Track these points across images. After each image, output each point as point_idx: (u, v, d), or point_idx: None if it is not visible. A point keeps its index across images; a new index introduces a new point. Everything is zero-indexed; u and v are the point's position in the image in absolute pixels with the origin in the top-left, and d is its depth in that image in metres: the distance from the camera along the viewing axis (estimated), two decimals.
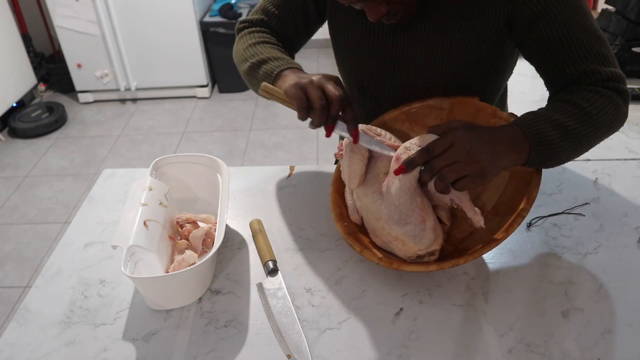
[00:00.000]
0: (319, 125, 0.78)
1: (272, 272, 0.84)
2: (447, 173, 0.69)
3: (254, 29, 0.99)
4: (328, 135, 0.79)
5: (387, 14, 0.80)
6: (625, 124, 1.25)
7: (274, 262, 0.85)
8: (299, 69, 0.87)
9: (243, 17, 1.01)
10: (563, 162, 0.80)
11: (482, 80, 0.92)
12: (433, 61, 0.89)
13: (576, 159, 1.13)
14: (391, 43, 0.91)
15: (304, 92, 0.77)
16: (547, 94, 1.54)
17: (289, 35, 1.01)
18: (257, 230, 0.91)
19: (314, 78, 0.78)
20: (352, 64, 0.98)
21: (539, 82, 1.57)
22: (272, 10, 0.98)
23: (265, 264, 0.85)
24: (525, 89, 1.44)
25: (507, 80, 1.01)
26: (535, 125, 0.74)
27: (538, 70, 0.87)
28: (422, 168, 0.73)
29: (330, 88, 0.76)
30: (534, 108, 1.41)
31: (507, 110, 1.12)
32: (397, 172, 0.74)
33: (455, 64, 0.88)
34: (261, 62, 0.90)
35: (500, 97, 1.05)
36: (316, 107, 0.76)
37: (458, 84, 0.91)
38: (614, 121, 0.80)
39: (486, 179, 0.71)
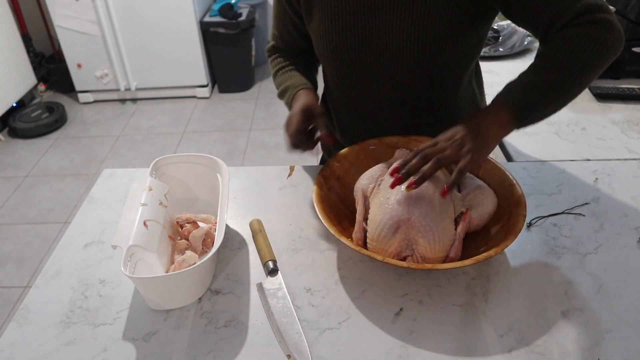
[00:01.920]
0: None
1: (272, 272, 0.84)
2: (445, 157, 0.76)
3: (272, 56, 1.11)
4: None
5: None
6: (625, 124, 1.25)
7: (274, 262, 0.85)
8: (306, 89, 1.00)
9: (267, 46, 1.14)
10: (555, 111, 0.82)
11: (455, 44, 0.91)
12: (407, 16, 0.88)
13: (576, 158, 1.13)
14: (364, 4, 0.91)
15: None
16: None
17: (297, 45, 1.08)
18: (257, 230, 0.91)
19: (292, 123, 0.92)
20: (328, 40, 0.97)
21: None
22: (275, 32, 1.10)
23: (265, 264, 0.85)
24: None
25: (477, 55, 0.99)
26: (513, 94, 0.81)
27: (520, 21, 0.86)
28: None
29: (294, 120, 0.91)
30: None
31: (483, 93, 1.13)
32: (393, 185, 0.79)
33: (429, 18, 0.87)
34: (281, 94, 1.05)
35: (474, 76, 1.06)
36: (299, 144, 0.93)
37: (431, 43, 0.89)
38: (597, 54, 0.79)
39: (482, 152, 0.78)
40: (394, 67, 0.94)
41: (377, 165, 0.90)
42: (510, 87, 0.82)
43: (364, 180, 0.88)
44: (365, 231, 0.82)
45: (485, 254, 0.73)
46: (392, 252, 0.78)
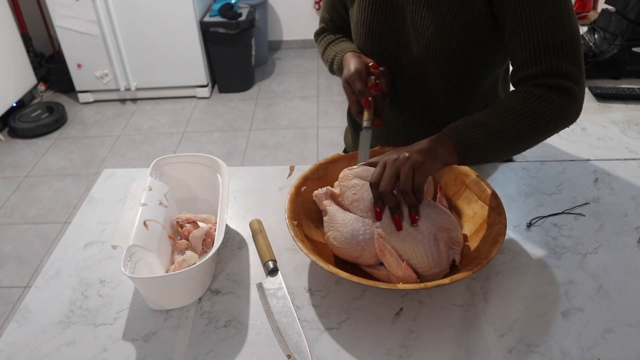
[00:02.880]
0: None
1: (272, 272, 0.84)
2: (402, 184, 0.75)
3: (321, 36, 1.16)
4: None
5: None
6: (625, 124, 1.25)
7: (274, 262, 0.85)
8: (353, 52, 1.01)
9: (317, 28, 1.19)
10: (496, 160, 0.84)
11: (476, 49, 0.92)
12: (436, 16, 0.89)
13: (576, 158, 1.13)
14: (395, 13, 0.95)
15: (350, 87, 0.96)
16: None
17: (347, 27, 1.10)
18: (257, 230, 0.91)
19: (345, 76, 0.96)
20: (365, 41, 1.01)
21: None
22: (325, 16, 1.14)
23: (265, 264, 0.85)
24: None
25: (501, 64, 0.99)
26: (462, 130, 0.80)
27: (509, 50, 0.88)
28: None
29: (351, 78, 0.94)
30: None
31: None
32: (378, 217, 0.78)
33: (457, 21, 0.88)
34: (330, 64, 1.08)
35: (502, 82, 1.06)
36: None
37: (455, 44, 0.90)
38: (553, 120, 0.81)
39: (429, 165, 0.76)
40: (417, 64, 0.96)
41: (334, 208, 0.83)
42: (463, 123, 0.81)
43: (362, 227, 0.79)
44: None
45: (484, 262, 0.73)
46: (447, 263, 0.77)
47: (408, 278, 0.75)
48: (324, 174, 0.93)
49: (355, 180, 0.82)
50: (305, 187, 0.89)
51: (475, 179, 0.88)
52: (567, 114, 0.82)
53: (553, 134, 0.84)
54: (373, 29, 0.97)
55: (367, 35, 0.99)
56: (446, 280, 0.71)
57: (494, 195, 0.84)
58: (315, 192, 0.86)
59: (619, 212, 0.94)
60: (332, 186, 0.87)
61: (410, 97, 1.02)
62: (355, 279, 0.72)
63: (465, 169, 0.90)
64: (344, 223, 0.80)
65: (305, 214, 0.88)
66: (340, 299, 0.79)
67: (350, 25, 1.05)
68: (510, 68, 0.90)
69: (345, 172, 0.85)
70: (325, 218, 0.83)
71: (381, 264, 0.78)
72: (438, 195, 0.88)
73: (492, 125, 0.80)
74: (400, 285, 0.72)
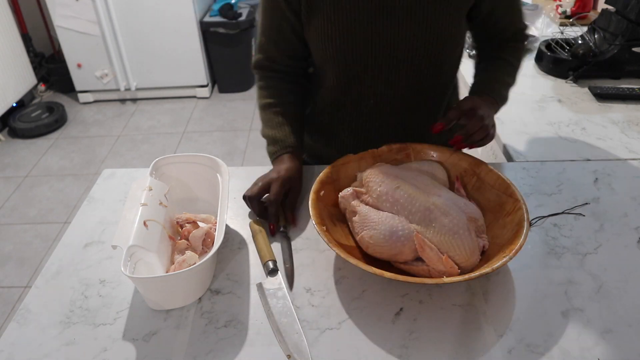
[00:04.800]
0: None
1: (272, 272, 0.84)
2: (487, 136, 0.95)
3: (262, 83, 1.07)
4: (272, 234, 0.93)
5: None
6: (625, 124, 1.26)
7: (274, 262, 0.85)
8: (293, 155, 1.00)
9: (254, 60, 1.08)
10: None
11: (456, 45, 1.01)
12: (415, 18, 0.92)
13: (576, 158, 1.14)
14: (374, 4, 0.91)
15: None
16: (547, 93, 1.54)
17: (292, 53, 1.04)
18: (257, 230, 0.91)
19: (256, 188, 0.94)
20: (339, 50, 0.96)
21: (539, 82, 1.57)
22: (265, 41, 1.03)
23: (265, 264, 0.85)
24: (526, 89, 1.44)
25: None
26: (498, 91, 1.02)
27: (480, 26, 1.04)
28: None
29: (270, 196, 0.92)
30: (534, 108, 1.43)
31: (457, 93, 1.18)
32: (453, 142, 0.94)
33: (436, 21, 0.93)
34: (269, 141, 1.04)
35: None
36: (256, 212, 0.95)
37: (437, 44, 0.95)
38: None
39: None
40: (400, 66, 0.97)
41: (364, 208, 0.84)
42: (495, 86, 1.02)
43: (399, 224, 0.80)
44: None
45: (501, 262, 0.73)
46: (479, 251, 0.79)
47: (450, 271, 0.76)
48: (337, 176, 0.93)
49: (380, 177, 0.85)
50: (323, 192, 0.89)
51: (487, 169, 0.90)
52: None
53: None
54: (349, 40, 0.93)
55: (341, 47, 0.94)
56: (488, 269, 0.72)
57: (509, 183, 0.86)
58: (342, 193, 0.88)
59: (619, 212, 0.94)
60: (343, 188, 0.90)
61: (393, 97, 1.02)
62: (407, 278, 0.72)
63: (477, 160, 0.92)
64: (380, 221, 0.80)
65: (328, 217, 0.87)
66: (340, 299, 0.79)
67: (313, 42, 0.98)
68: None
69: (368, 171, 0.88)
70: (355, 218, 0.84)
71: (418, 259, 0.79)
72: (456, 185, 0.90)
73: (508, 80, 1.05)
74: (447, 279, 0.72)
